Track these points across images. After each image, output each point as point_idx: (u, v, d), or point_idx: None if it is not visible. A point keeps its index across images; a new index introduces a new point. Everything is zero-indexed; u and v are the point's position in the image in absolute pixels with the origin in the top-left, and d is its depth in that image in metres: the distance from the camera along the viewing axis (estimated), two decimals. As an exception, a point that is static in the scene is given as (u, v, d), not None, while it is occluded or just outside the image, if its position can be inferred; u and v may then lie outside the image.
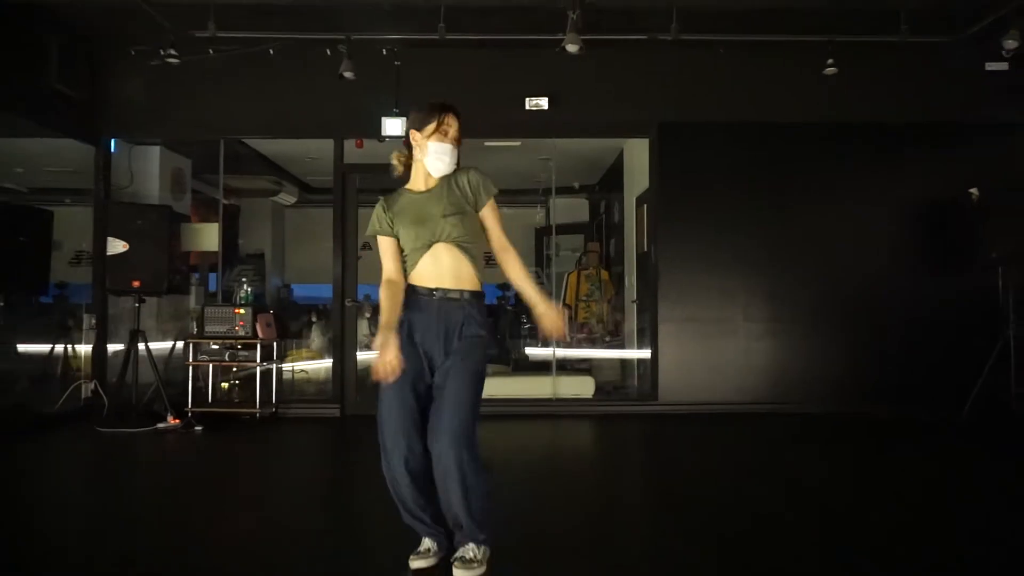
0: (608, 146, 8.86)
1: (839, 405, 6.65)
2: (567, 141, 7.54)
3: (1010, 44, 5.46)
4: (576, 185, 10.83)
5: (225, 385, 7.09)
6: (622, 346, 8.48)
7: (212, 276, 10.99)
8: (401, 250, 2.97)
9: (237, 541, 3.54)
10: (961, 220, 6.60)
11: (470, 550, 2.82)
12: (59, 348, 8.03)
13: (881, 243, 6.88)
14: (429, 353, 2.90)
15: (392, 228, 2.97)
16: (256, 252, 11.86)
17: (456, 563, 2.81)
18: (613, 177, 9.58)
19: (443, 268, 2.91)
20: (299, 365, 8.97)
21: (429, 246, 2.90)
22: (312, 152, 8.83)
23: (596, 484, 4.80)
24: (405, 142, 3.03)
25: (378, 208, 3.01)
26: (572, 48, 5.33)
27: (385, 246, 2.99)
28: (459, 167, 3.01)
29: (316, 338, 10.03)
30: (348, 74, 6.05)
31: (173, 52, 5.93)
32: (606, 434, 6.43)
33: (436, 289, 2.90)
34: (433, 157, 2.94)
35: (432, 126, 2.95)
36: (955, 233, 6.67)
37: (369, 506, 4.05)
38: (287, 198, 11.72)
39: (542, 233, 11.43)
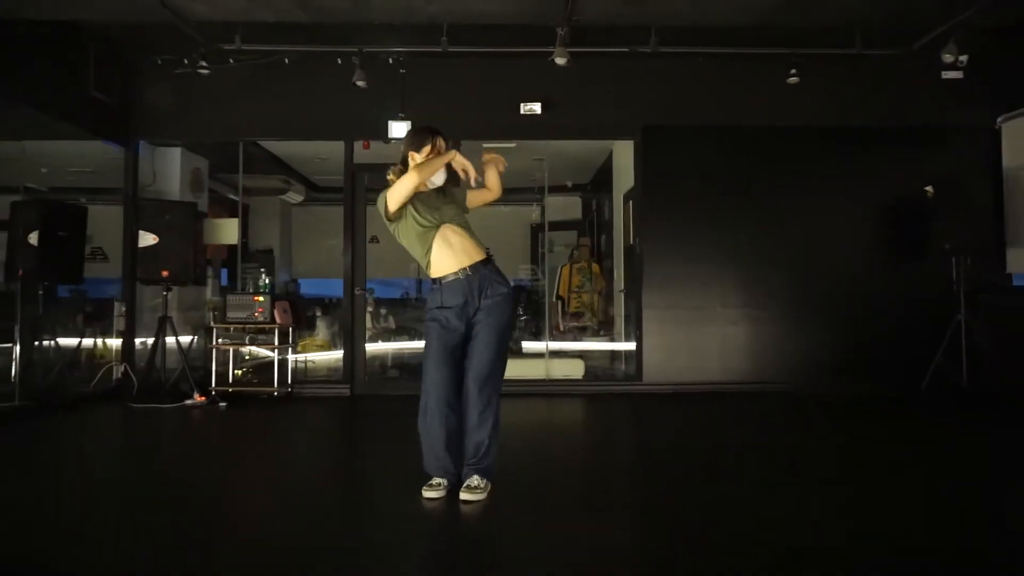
0: (599, 147, 9.47)
1: (809, 383, 7.26)
2: (560, 143, 8.16)
3: (947, 58, 6.06)
4: (569, 184, 11.44)
5: (239, 373, 7.69)
6: (611, 334, 9.09)
7: (224, 272, 11.62)
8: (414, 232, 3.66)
9: (264, 502, 4.05)
10: (918, 215, 7.22)
11: (475, 479, 3.46)
12: (86, 342, 8.65)
13: (846, 236, 7.51)
14: (466, 324, 3.60)
15: (403, 210, 3.66)
16: (265, 248, 12.45)
17: (464, 490, 3.44)
18: (604, 176, 10.19)
19: (456, 248, 3.62)
20: (308, 356, 9.56)
21: (438, 227, 3.61)
22: (322, 153, 9.44)
23: (586, 451, 5.43)
24: (402, 160, 3.77)
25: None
26: (560, 60, 5.97)
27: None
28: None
29: (322, 330, 10.62)
30: (361, 83, 6.68)
31: (204, 64, 6.55)
32: (595, 410, 7.02)
33: (459, 271, 3.59)
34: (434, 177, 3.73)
35: (427, 148, 3.70)
36: (913, 227, 7.29)
37: (379, 471, 4.65)
38: (294, 196, 12.32)
39: (537, 230, 12.04)
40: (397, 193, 3.55)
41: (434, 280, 3.66)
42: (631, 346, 7.98)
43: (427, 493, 3.54)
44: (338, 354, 9.84)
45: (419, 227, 3.63)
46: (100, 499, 3.95)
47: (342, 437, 6.08)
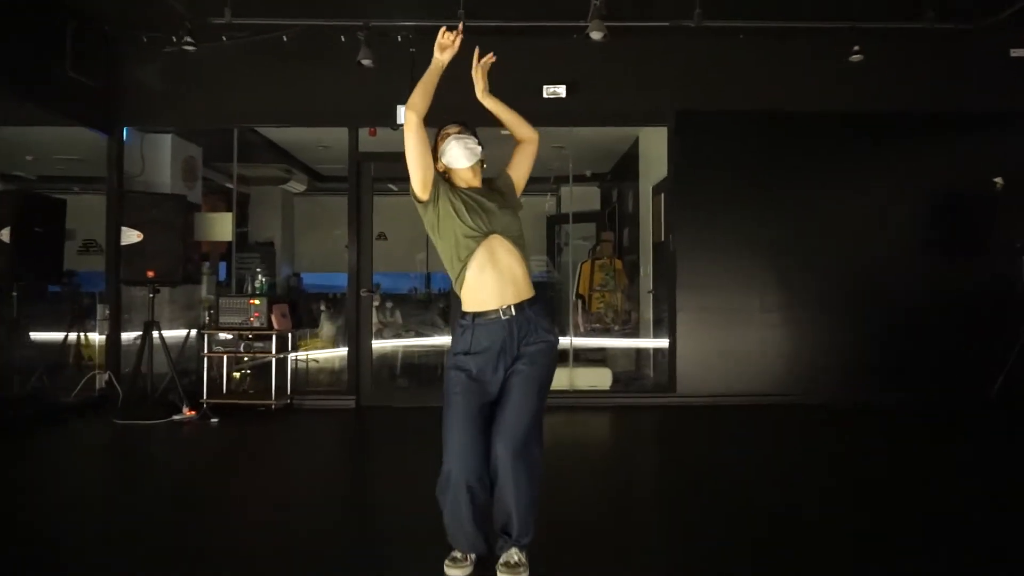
0: (622, 134, 8.77)
1: (860, 393, 6.59)
2: (580, 129, 7.46)
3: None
4: (588, 173, 10.75)
5: (237, 375, 7.05)
6: (637, 336, 8.41)
7: (222, 265, 11.00)
8: (455, 246, 2.86)
9: (258, 534, 3.52)
10: (981, 208, 6.52)
11: (514, 555, 2.79)
12: (72, 337, 8.05)
13: (900, 232, 6.81)
14: (495, 374, 2.81)
15: (436, 186, 2.87)
16: (266, 240, 11.80)
17: (501, 568, 2.77)
18: (627, 165, 9.49)
19: (504, 274, 2.82)
20: (312, 354, 8.94)
21: (486, 236, 2.82)
22: (325, 140, 8.76)
23: (615, 476, 4.78)
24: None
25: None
26: (596, 35, 5.25)
27: (429, 159, 2.86)
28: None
29: (326, 327, 10.00)
30: (366, 61, 5.98)
31: (189, 40, 5.87)
32: (624, 426, 6.39)
33: (503, 310, 2.80)
34: (449, 157, 2.94)
35: (437, 140, 2.99)
36: (975, 221, 6.58)
37: (386, 497, 4.04)
38: (297, 186, 11.67)
39: (554, 221, 11.37)
40: (410, 157, 2.81)
41: (464, 315, 2.88)
42: (662, 343, 7.29)
43: (451, 571, 2.85)
44: (342, 352, 9.25)
45: (458, 232, 2.85)
46: (75, 535, 3.33)
47: (347, 463, 5.43)
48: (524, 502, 2.75)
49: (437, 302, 11.43)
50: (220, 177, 9.81)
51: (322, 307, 10.64)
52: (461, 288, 2.86)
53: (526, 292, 2.86)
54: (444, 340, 8.72)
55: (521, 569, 2.76)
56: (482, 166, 3.00)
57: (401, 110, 6.57)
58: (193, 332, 7.03)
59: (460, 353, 2.84)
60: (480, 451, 2.74)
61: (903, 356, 6.70)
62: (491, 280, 2.82)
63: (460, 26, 3.04)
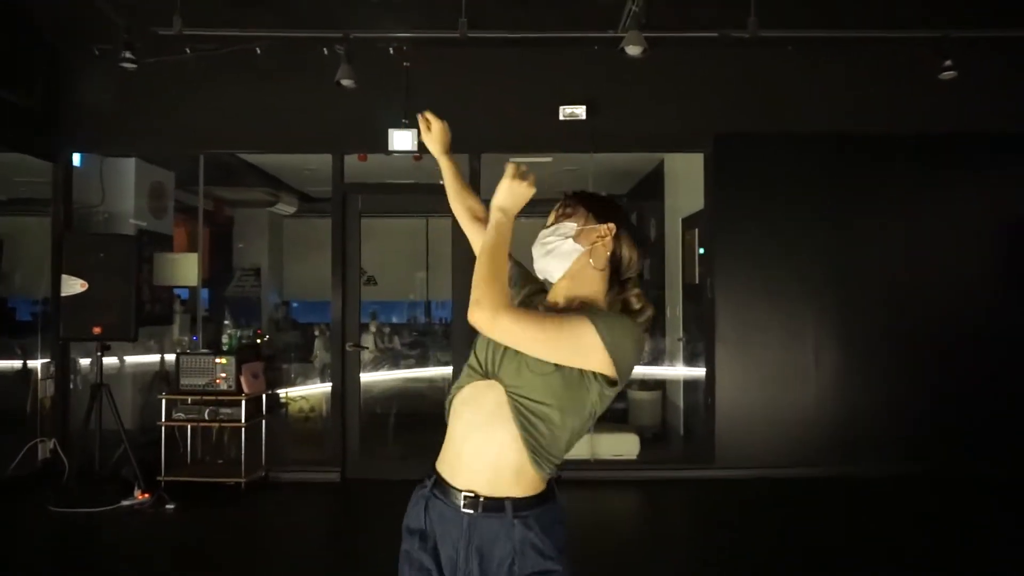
0: (644, 157, 7.81)
1: (938, 463, 5.61)
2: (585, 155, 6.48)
3: None
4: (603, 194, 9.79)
5: (188, 454, 6.03)
6: (663, 391, 7.40)
7: (204, 292, 10.06)
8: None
9: None
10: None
11: None
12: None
13: (974, 272, 5.83)
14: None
15: (520, 285, 1.94)
16: (252, 267, 10.85)
17: None
18: (649, 188, 8.54)
19: (475, 439, 1.69)
20: (301, 391, 8.03)
21: (484, 376, 1.73)
22: (310, 163, 7.80)
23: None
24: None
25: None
26: (634, 50, 4.26)
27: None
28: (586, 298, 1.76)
29: (320, 354, 9.08)
30: (347, 82, 4.98)
31: (129, 55, 4.88)
32: (657, 506, 5.44)
33: (465, 493, 1.68)
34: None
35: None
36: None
37: None
38: (286, 208, 10.71)
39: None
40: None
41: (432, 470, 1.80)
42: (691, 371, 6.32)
43: None
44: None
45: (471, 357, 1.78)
46: None
47: (328, 555, 4.44)
48: None
49: (438, 332, 10.58)
50: (196, 200, 8.89)
51: (315, 332, 9.75)
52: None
53: (516, 490, 1.67)
54: (445, 372, 7.80)
55: None
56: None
57: (395, 134, 5.69)
58: (170, 357, 6.08)
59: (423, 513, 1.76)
60: None
61: (989, 419, 5.71)
62: (457, 433, 1.75)
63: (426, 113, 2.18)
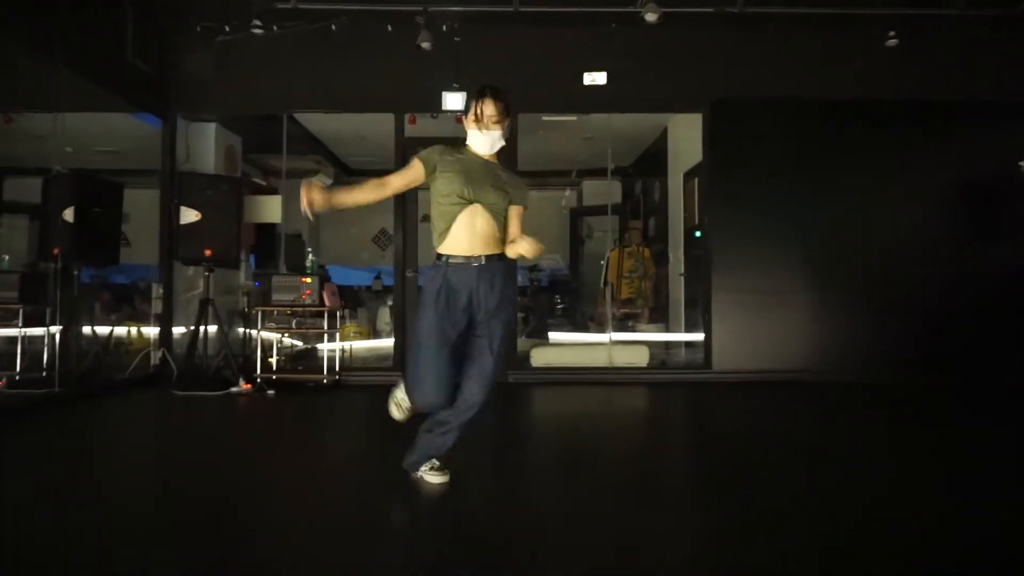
0: (649, 126, 9.02)
1: (892, 373, 6.82)
2: (608, 120, 7.67)
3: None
4: (611, 166, 10.97)
5: (273, 361, 7.21)
6: (667, 321, 8.63)
7: (251, 256, 11.19)
8: (440, 201, 3.20)
9: (329, 490, 3.74)
10: (1011, 194, 6.76)
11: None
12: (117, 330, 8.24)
13: (932, 218, 7.06)
14: (465, 314, 3.18)
15: (432, 171, 3.20)
16: (295, 232, 12.00)
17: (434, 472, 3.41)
18: (652, 157, 9.73)
19: (477, 234, 3.15)
20: (357, 344, 9.12)
21: (469, 203, 3.13)
22: (362, 131, 9.00)
23: (647, 443, 5.03)
24: (458, 118, 3.43)
25: (437, 148, 3.25)
26: (651, 17, 5.51)
27: (412, 173, 3.23)
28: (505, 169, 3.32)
29: (360, 316, 10.22)
30: (426, 44, 6.23)
31: (258, 23, 6.10)
32: (661, 399, 6.61)
33: (473, 257, 3.15)
34: (471, 141, 3.24)
35: (471, 113, 3.22)
36: (1005, 207, 6.83)
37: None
38: (324, 179, 11.87)
39: (576, 215, 11.61)
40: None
41: (439, 256, 3.22)
42: (695, 337, 7.54)
43: (438, 479, 3.43)
44: (375, 343, 9.46)
45: (444, 195, 3.19)
46: (159, 495, 3.54)
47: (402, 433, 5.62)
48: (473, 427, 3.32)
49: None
50: (252, 171, 10.05)
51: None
52: (441, 243, 3.23)
53: (499, 249, 3.21)
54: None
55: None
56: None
57: (447, 96, 6.88)
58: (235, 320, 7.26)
59: (442, 277, 3.19)
60: (451, 383, 3.21)
61: (930, 338, 6.92)
62: (466, 235, 3.17)
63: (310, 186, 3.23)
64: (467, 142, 3.25)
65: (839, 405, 6.07)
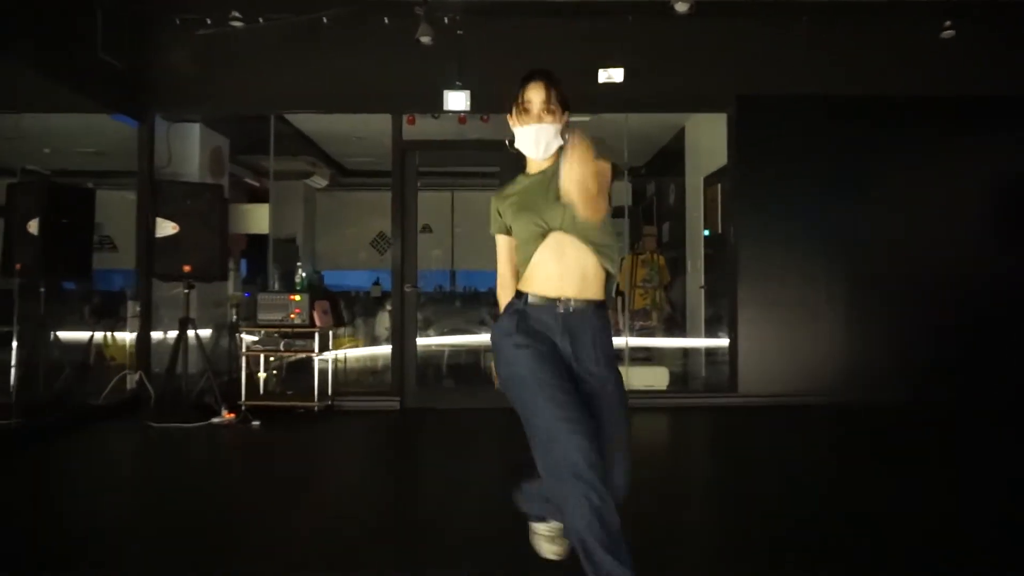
0: (664, 126, 8.43)
1: (933, 395, 6.25)
2: (616, 119, 7.07)
3: None
4: (624, 167, 10.40)
5: (262, 375, 6.66)
6: (685, 334, 8.06)
7: (243, 262, 10.64)
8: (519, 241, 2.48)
9: (308, 540, 3.25)
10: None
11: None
12: (96, 337, 7.72)
13: (977, 224, 6.47)
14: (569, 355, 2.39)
15: (503, 221, 2.52)
16: (288, 237, 11.44)
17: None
18: (668, 158, 9.16)
19: (568, 267, 2.37)
20: (342, 353, 8.61)
21: (544, 235, 2.38)
22: (359, 131, 8.40)
23: (671, 479, 4.47)
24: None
25: (492, 202, 2.55)
26: (682, 7, 4.90)
27: (500, 245, 2.56)
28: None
29: (358, 325, 9.70)
30: (425, 38, 5.62)
31: (238, 15, 5.51)
32: (682, 428, 6.05)
33: (558, 300, 2.37)
34: (519, 143, 2.49)
35: (514, 106, 2.49)
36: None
37: (435, 502, 3.76)
38: (319, 181, 11.31)
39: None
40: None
41: (521, 294, 2.45)
42: (717, 343, 6.95)
43: (554, 549, 2.69)
44: (372, 351, 8.91)
45: (518, 239, 2.49)
46: (119, 544, 2.97)
47: (395, 468, 5.06)
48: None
49: (464, 300, 11.11)
50: (244, 171, 9.47)
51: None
52: (520, 280, 2.50)
53: (593, 293, 2.40)
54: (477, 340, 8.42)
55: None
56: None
57: (449, 95, 6.29)
58: (221, 332, 6.74)
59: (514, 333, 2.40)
60: (591, 428, 2.22)
61: (982, 356, 6.34)
62: (552, 269, 2.40)
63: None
64: (518, 146, 2.51)
65: (885, 434, 5.51)
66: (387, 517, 3.65)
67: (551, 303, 2.36)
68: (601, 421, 2.28)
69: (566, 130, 2.43)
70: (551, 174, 2.39)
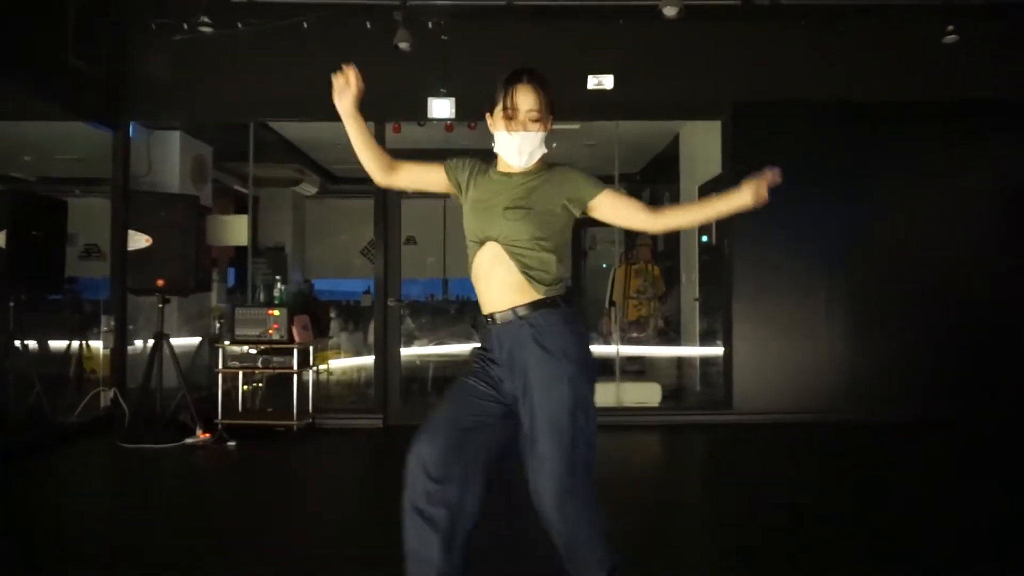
0: (659, 132, 8.24)
1: (934, 412, 6.02)
2: (613, 126, 6.88)
3: None
4: (616, 174, 10.21)
5: (245, 387, 6.42)
6: (674, 344, 7.85)
7: (231, 271, 10.44)
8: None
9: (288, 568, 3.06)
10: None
11: None
12: (74, 347, 7.55)
13: (980, 232, 6.25)
14: (499, 379, 2.31)
15: (460, 183, 2.38)
16: (276, 245, 11.25)
17: None
18: (662, 165, 8.97)
19: (493, 284, 2.28)
20: (334, 364, 8.41)
21: (482, 243, 2.29)
22: (342, 138, 8.17)
23: (663, 500, 4.27)
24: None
25: (470, 160, 2.41)
26: (670, 11, 4.69)
27: (430, 172, 2.44)
28: (557, 164, 2.36)
29: (343, 336, 9.48)
30: (404, 45, 5.40)
31: (206, 20, 5.30)
32: (676, 446, 5.85)
33: (489, 316, 2.31)
34: (498, 147, 2.31)
35: (498, 108, 2.28)
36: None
37: None
38: (308, 188, 11.13)
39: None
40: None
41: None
42: (711, 351, 6.74)
43: None
44: (358, 361, 8.71)
45: (467, 233, 2.36)
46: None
47: (379, 490, 4.84)
48: (582, 538, 2.24)
49: (455, 309, 10.92)
50: (229, 179, 9.28)
51: (332, 314, 10.12)
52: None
53: (521, 298, 2.26)
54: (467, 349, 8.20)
55: None
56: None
57: (433, 102, 6.10)
58: (204, 344, 6.54)
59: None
60: (449, 442, 2.24)
61: (982, 371, 6.13)
62: (483, 285, 2.33)
63: (350, 67, 2.34)
64: (495, 150, 2.35)
65: (885, 453, 5.31)
66: (367, 543, 3.44)
67: (485, 318, 2.33)
68: (532, 435, 2.21)
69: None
70: (518, 183, 2.28)
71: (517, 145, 2.26)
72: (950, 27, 5.35)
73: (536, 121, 2.26)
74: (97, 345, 7.08)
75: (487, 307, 2.31)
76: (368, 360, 8.41)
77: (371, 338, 9.13)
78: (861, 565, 3.16)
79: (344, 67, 2.31)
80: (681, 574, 3.14)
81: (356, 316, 10.40)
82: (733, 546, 3.47)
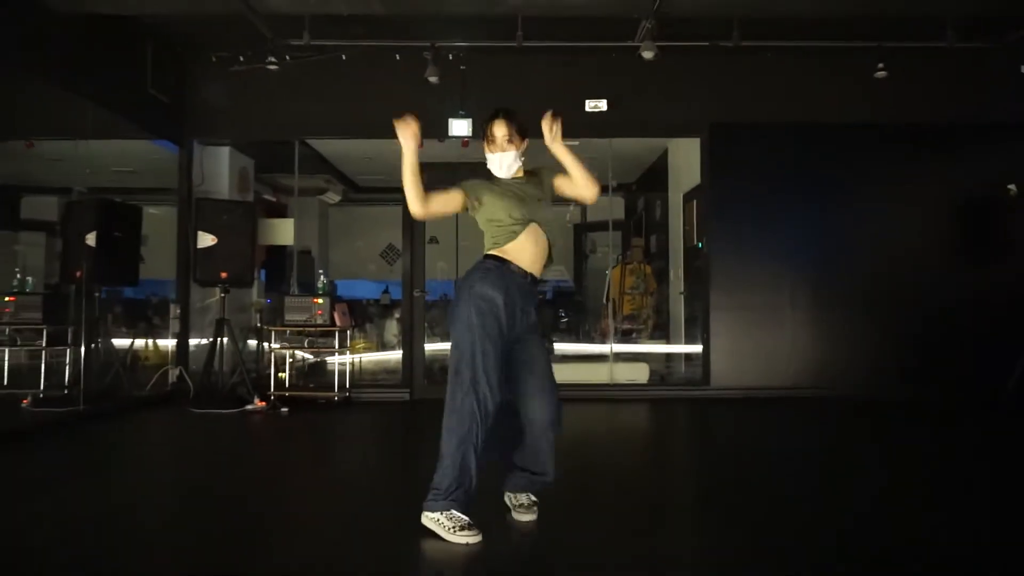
0: (651, 146, 9.24)
1: (881, 391, 7.02)
2: (608, 142, 7.91)
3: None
4: (614, 184, 11.20)
5: (283, 375, 7.43)
6: (667, 337, 8.87)
7: (262, 272, 11.44)
8: (493, 221, 3.18)
9: (338, 507, 3.98)
10: (997, 215, 6.97)
11: (530, 496, 3.34)
12: (139, 341, 8.54)
13: (922, 238, 7.27)
14: (511, 323, 3.14)
15: (479, 196, 3.20)
16: (304, 249, 12.27)
17: (522, 508, 3.31)
18: (654, 176, 9.96)
19: (537, 254, 3.17)
20: (358, 357, 9.36)
21: (527, 223, 3.14)
22: (369, 153, 9.26)
23: (647, 458, 5.27)
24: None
25: (477, 180, 3.29)
26: (648, 54, 5.76)
27: (452, 197, 3.24)
28: (536, 167, 3.34)
29: (369, 331, 10.45)
30: (433, 79, 6.48)
31: (273, 60, 6.37)
32: (662, 416, 6.82)
33: (529, 274, 3.17)
34: (489, 165, 3.28)
35: (486, 138, 3.27)
36: (992, 227, 7.04)
37: None
38: (333, 197, 12.16)
39: (580, 230, 11.84)
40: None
41: (490, 257, 3.17)
42: (695, 348, 7.77)
43: (472, 539, 3.01)
44: (382, 355, 9.70)
45: (500, 218, 3.16)
46: (188, 509, 3.77)
47: (409, 449, 5.87)
48: (551, 459, 3.27)
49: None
50: (266, 189, 10.32)
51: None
52: (502, 249, 3.18)
53: (539, 272, 3.25)
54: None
55: (535, 507, 3.32)
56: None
57: (453, 123, 7.13)
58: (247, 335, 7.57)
59: (480, 288, 3.12)
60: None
61: (922, 355, 7.12)
62: (530, 252, 3.18)
63: (412, 116, 3.24)
64: (488, 166, 3.29)
65: (836, 422, 6.28)
66: (395, 489, 4.43)
67: (524, 274, 3.17)
68: (534, 359, 3.24)
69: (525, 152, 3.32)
70: (526, 183, 3.26)
71: (498, 162, 3.24)
72: (880, 64, 6.41)
73: (509, 142, 3.22)
74: (161, 343, 8.06)
75: (530, 269, 3.17)
76: (388, 355, 9.40)
77: (387, 336, 10.16)
78: (809, 507, 4.14)
79: (405, 115, 3.19)
80: (661, 508, 4.13)
81: (376, 314, 11.40)
82: (706, 489, 4.46)
